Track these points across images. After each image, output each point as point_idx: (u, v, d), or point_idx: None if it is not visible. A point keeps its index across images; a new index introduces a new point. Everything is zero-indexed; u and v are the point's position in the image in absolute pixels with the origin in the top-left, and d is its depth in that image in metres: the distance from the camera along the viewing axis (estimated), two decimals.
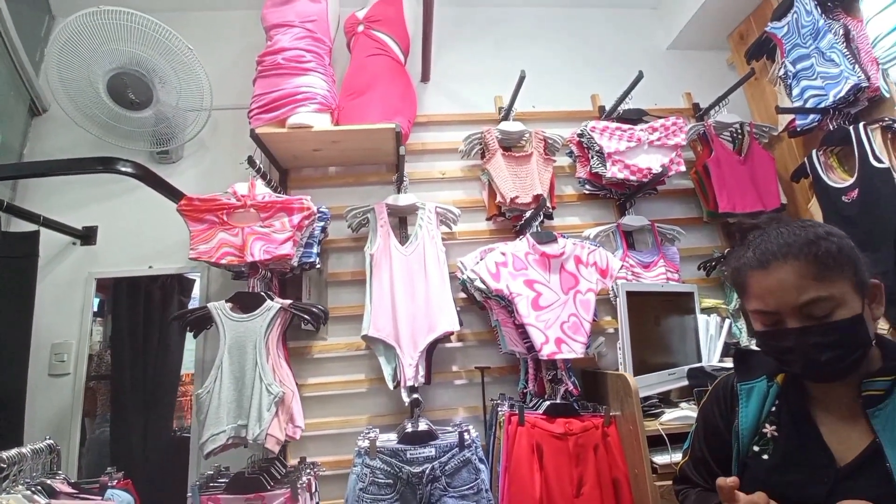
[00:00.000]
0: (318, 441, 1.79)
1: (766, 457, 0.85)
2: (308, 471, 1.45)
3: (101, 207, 2.05)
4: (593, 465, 1.50)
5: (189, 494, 1.37)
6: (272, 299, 1.55)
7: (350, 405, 1.84)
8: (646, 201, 2.15)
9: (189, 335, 2.28)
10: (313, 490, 1.45)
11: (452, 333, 1.73)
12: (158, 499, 1.57)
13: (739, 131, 2.18)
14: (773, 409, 0.88)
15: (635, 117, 2.12)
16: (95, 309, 2.01)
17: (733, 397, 0.93)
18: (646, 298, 1.76)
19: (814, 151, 1.92)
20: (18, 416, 1.71)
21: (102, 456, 2.03)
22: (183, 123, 2.02)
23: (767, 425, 0.87)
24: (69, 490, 1.32)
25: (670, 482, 1.40)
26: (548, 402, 1.57)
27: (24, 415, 1.73)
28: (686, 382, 1.72)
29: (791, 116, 2.01)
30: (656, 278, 1.93)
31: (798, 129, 1.98)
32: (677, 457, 1.42)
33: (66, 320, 1.93)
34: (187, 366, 2.25)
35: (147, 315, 2.20)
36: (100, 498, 1.25)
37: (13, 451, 1.26)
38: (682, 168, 2.03)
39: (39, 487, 1.26)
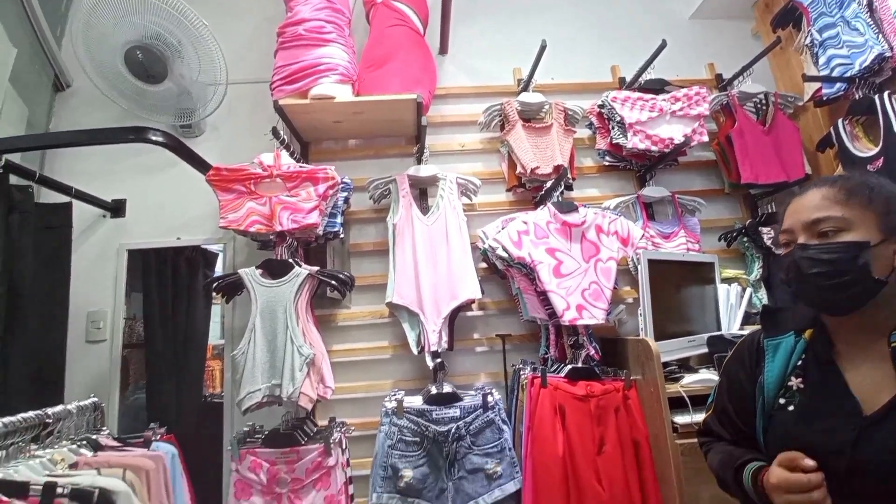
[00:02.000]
0: (345, 404, 1.86)
1: (791, 408, 0.87)
2: (338, 429, 1.51)
3: (128, 181, 2.10)
4: (614, 426, 1.54)
5: (228, 448, 1.44)
6: (300, 266, 1.59)
7: (375, 370, 1.89)
8: (666, 173, 2.15)
9: (214, 309, 2.38)
10: (344, 447, 1.52)
11: (474, 301, 1.77)
12: (195, 459, 1.64)
13: (764, 101, 2.15)
14: (800, 362, 0.89)
15: (657, 87, 2.10)
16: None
17: (759, 353, 0.94)
18: (666, 267, 1.78)
19: (840, 121, 1.89)
20: (59, 381, 1.79)
21: (138, 421, 2.12)
22: (204, 97, 2.04)
23: (793, 378, 0.88)
24: (114, 444, 1.39)
25: (691, 440, 1.45)
26: (569, 366, 1.61)
27: (65, 380, 1.81)
28: (706, 350, 1.75)
29: (816, 86, 1.98)
30: (676, 248, 1.94)
31: (824, 98, 1.96)
32: (698, 417, 1.46)
33: (99, 290, 2.00)
34: (213, 337, 2.33)
35: (175, 288, 2.26)
36: (146, 450, 1.33)
37: (58, 408, 1.32)
38: (705, 138, 2.02)
39: (85, 442, 1.34)
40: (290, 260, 1.61)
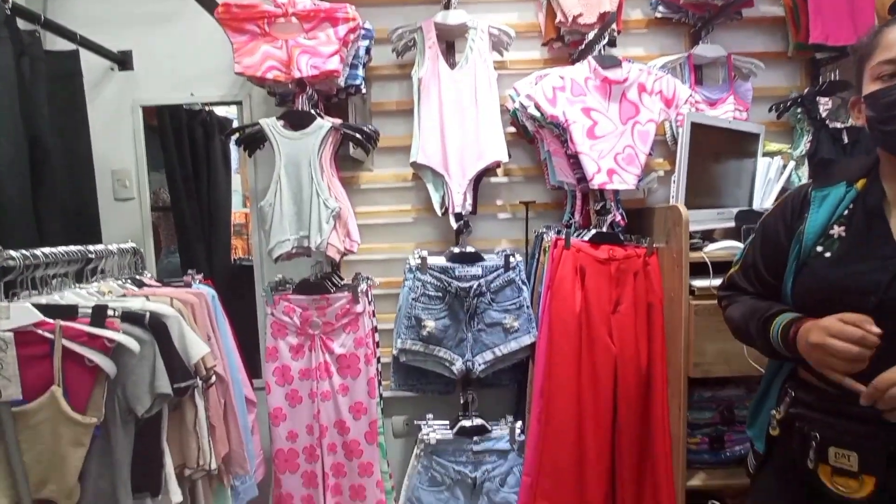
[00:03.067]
0: (369, 265, 1.92)
1: (828, 255, 0.86)
2: (365, 281, 1.58)
3: (133, 31, 1.95)
4: (631, 289, 1.58)
5: (262, 294, 1.53)
6: (322, 118, 1.53)
7: (397, 233, 1.92)
8: (725, 30, 1.90)
9: (236, 176, 2.37)
10: (370, 298, 1.60)
11: (500, 164, 1.71)
12: (231, 313, 1.75)
13: None
14: (846, 211, 0.87)
15: None
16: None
17: (804, 204, 0.92)
18: (709, 133, 1.66)
19: None
20: (96, 235, 1.84)
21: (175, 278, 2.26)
22: None
23: (836, 227, 0.87)
24: (157, 284, 1.48)
25: (705, 302, 1.49)
26: (594, 231, 1.60)
27: (102, 238, 1.85)
28: (732, 224, 1.71)
29: None
30: (723, 116, 1.80)
31: None
32: (717, 281, 1.48)
33: (119, 147, 1.97)
34: (235, 206, 2.37)
35: (193, 153, 2.24)
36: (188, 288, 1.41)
37: (99, 246, 1.34)
38: None
39: (129, 281, 1.42)
40: (313, 111, 1.54)
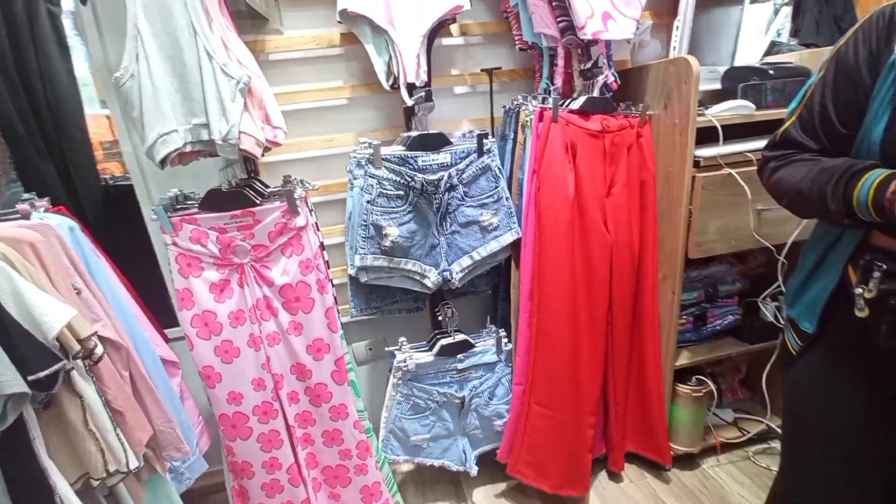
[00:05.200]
0: (295, 166, 1.48)
1: None
2: (300, 185, 1.17)
3: None
4: (625, 166, 1.35)
5: (153, 217, 1.07)
6: None
7: (330, 121, 1.47)
8: None
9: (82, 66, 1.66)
10: (310, 207, 1.21)
11: (461, 9, 1.28)
12: (113, 254, 1.28)
13: None
14: None
15: None
16: None
17: (890, 29, 0.71)
18: None
19: None
20: None
21: None
22: None
23: None
24: None
25: (712, 173, 1.31)
26: (584, 97, 1.30)
27: None
28: (718, 85, 1.50)
29: None
30: None
31: None
32: (727, 149, 1.29)
33: None
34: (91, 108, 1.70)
35: (13, 40, 1.50)
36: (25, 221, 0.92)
37: None
38: None
39: None
40: None
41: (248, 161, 1.32)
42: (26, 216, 0.98)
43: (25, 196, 1.02)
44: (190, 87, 0.97)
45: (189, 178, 1.35)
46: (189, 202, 1.18)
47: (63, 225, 0.94)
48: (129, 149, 1.40)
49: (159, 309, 1.34)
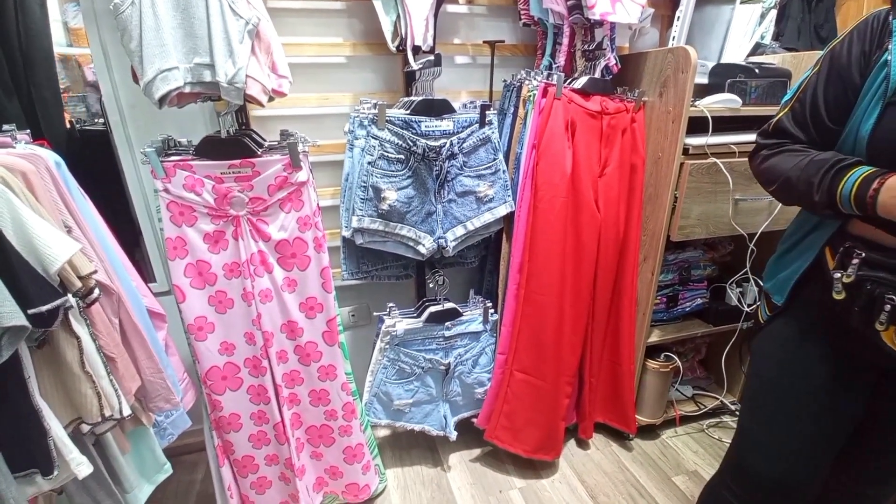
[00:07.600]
0: (289, 122, 1.44)
1: None
2: (302, 141, 1.14)
3: None
4: (619, 148, 1.40)
5: (144, 161, 1.01)
6: None
7: (326, 79, 1.43)
8: None
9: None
10: (310, 164, 1.18)
11: None
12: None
13: None
14: None
15: None
16: None
17: (884, 32, 0.77)
18: None
19: None
20: None
21: None
22: None
23: None
24: None
25: (699, 161, 1.38)
26: (586, 77, 1.33)
27: None
28: (705, 80, 1.57)
29: None
30: None
31: None
32: (715, 140, 1.36)
33: None
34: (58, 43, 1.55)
35: None
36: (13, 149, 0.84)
37: None
38: None
39: None
40: None
41: (240, 112, 1.27)
42: (9, 145, 0.90)
43: (6, 127, 0.94)
44: (194, 22, 0.92)
45: (171, 124, 1.29)
46: (181, 148, 1.12)
47: (51, 158, 0.87)
48: (109, 89, 1.31)
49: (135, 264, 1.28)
